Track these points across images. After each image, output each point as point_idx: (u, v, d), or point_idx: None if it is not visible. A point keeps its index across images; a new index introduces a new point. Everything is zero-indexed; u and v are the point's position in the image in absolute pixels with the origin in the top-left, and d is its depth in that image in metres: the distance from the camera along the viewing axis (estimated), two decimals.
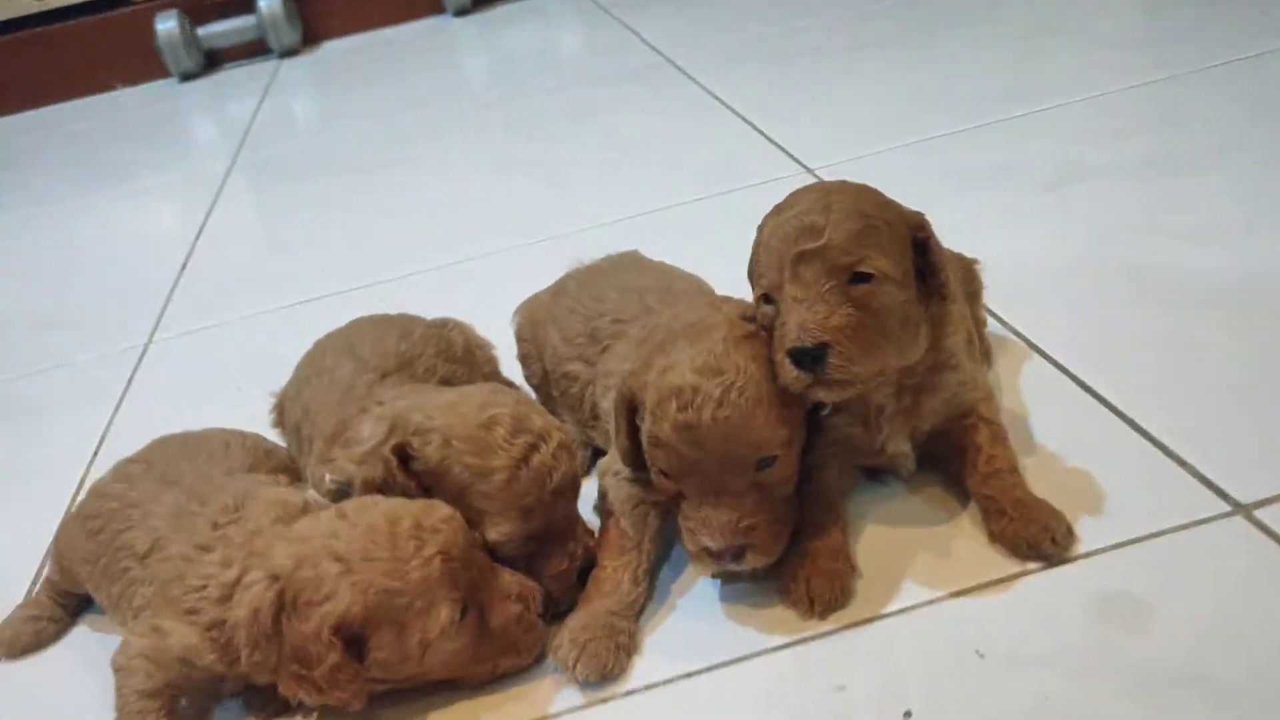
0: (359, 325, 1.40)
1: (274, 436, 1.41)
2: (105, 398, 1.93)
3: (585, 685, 1.06)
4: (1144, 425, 1.23)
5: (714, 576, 1.15)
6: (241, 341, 2.05)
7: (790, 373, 1.05)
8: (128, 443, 1.70)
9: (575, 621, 1.09)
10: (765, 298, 1.10)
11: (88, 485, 1.58)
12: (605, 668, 1.06)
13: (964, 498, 1.18)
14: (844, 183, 1.13)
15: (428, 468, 1.10)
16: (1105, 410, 1.28)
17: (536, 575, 1.11)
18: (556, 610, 1.13)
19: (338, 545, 1.02)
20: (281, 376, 1.74)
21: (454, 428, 1.10)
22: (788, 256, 1.06)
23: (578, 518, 1.17)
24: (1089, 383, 1.33)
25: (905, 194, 1.14)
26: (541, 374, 1.43)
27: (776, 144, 2.38)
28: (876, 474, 1.24)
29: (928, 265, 1.11)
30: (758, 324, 1.11)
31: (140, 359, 2.07)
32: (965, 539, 1.14)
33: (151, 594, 1.12)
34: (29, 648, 1.30)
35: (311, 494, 1.16)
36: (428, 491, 1.10)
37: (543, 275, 1.50)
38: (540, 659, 1.10)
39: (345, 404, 1.23)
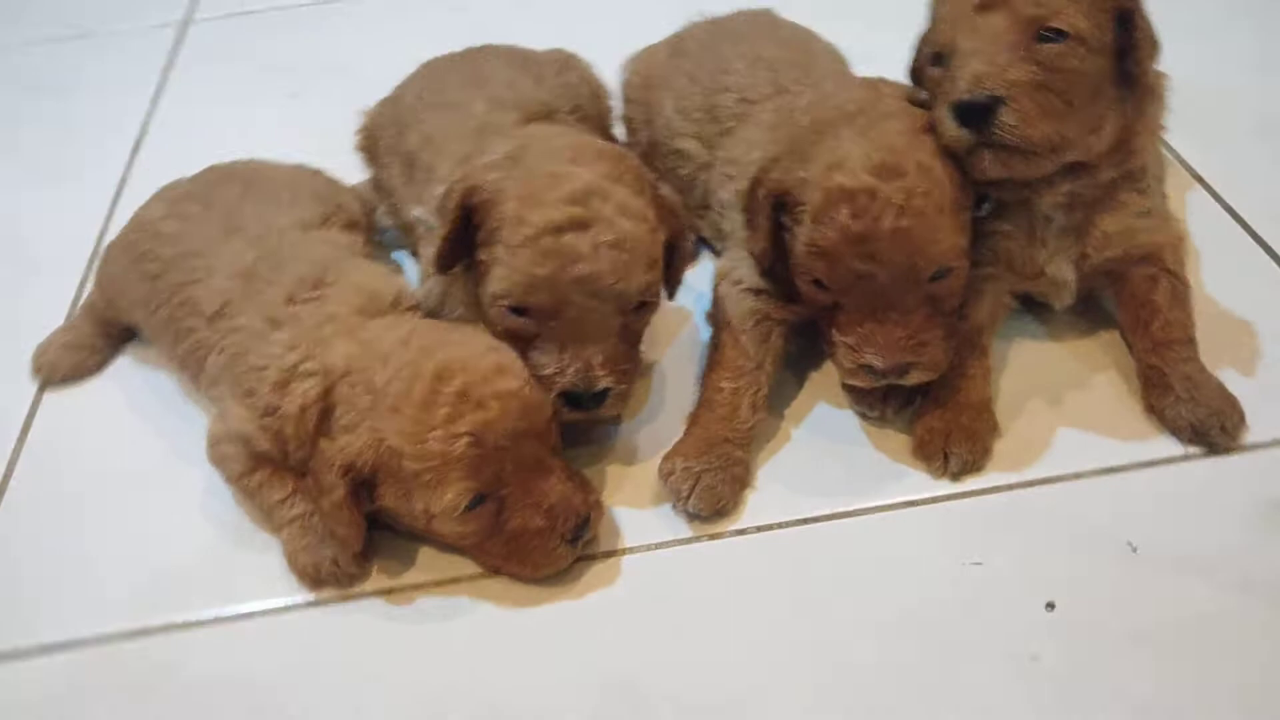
0: (483, 59, 1.23)
1: (339, 157, 1.26)
2: (141, 84, 1.75)
3: (695, 517, 0.98)
4: None
5: (862, 386, 1.02)
6: (292, 35, 1.85)
7: (952, 129, 0.92)
8: (169, 143, 1.61)
9: (688, 446, 0.99)
10: (936, 57, 0.95)
11: (128, 190, 1.47)
12: (719, 501, 0.97)
13: (1117, 353, 1.07)
14: None
15: (478, 201, 0.96)
16: None
17: (530, 365, 0.95)
18: None
19: (381, 375, 0.90)
20: (338, 86, 1.60)
21: (522, 168, 0.96)
22: (968, 5, 0.92)
23: (613, 344, 0.96)
24: (1272, 244, 1.18)
25: None
26: (647, 144, 1.26)
27: None
28: (1027, 305, 1.11)
29: (1130, 42, 0.94)
30: (924, 94, 0.97)
31: (179, 40, 1.87)
32: (1117, 406, 1.03)
33: (222, 365, 1.01)
34: (68, 377, 1.20)
35: (404, 286, 1.04)
36: (471, 230, 0.97)
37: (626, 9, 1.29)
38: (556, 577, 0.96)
39: (483, 136, 1.08)
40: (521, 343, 0.96)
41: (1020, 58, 0.90)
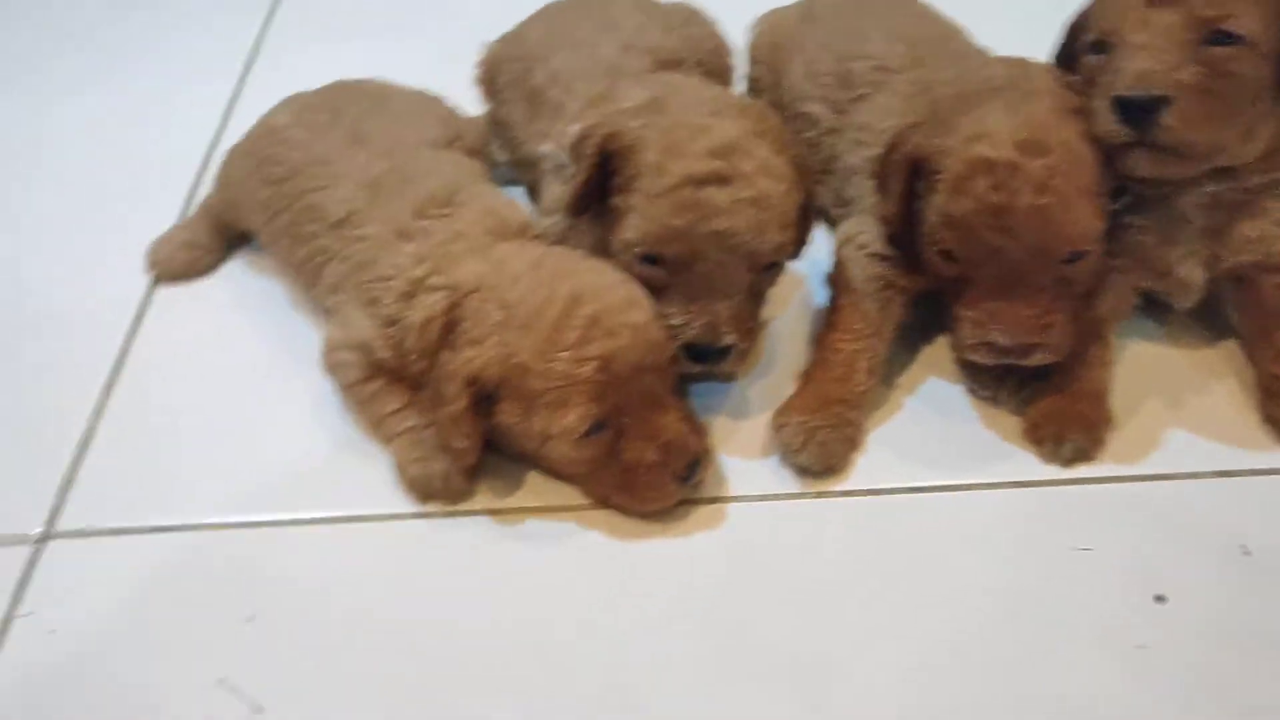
0: (609, 3, 1.22)
1: (457, 91, 1.26)
2: (255, 6, 1.75)
3: (805, 473, 0.97)
4: None
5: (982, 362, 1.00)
6: None
7: (1110, 123, 0.90)
8: (282, 62, 1.60)
9: (803, 402, 0.99)
10: (1096, 45, 0.94)
11: (241, 100, 1.48)
12: (831, 458, 0.97)
13: (1236, 362, 1.06)
14: None
15: (617, 147, 0.95)
16: None
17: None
18: None
19: (514, 292, 0.90)
20: (440, 27, 1.61)
21: (670, 114, 0.96)
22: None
23: (740, 301, 0.96)
24: None
25: None
26: (771, 106, 1.25)
27: None
28: (1149, 305, 1.09)
29: None
30: (1079, 79, 0.96)
31: None
32: (1232, 413, 1.02)
33: (344, 273, 1.02)
34: (180, 275, 1.21)
35: (529, 215, 1.04)
36: (606, 175, 0.96)
37: None
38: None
39: (615, 78, 1.08)
40: (650, 291, 0.96)
41: (1190, 58, 0.88)
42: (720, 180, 0.92)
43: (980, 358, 0.97)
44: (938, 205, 0.93)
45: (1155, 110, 0.88)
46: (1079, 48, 0.98)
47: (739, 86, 1.31)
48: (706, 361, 0.97)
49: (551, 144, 1.08)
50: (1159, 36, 0.89)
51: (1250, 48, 0.89)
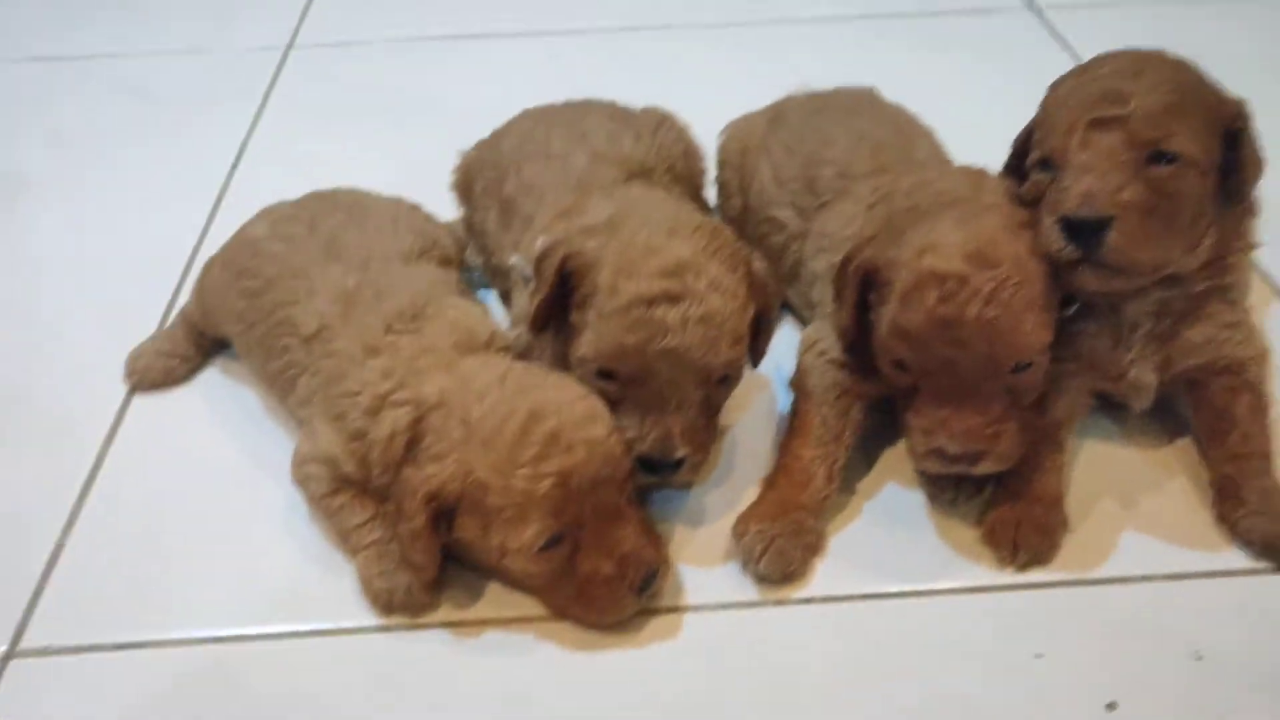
0: (582, 112, 1.27)
1: (434, 194, 1.30)
2: (243, 104, 1.81)
3: (764, 582, 0.99)
4: None
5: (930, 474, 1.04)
6: (390, 68, 1.91)
7: (1058, 242, 0.93)
8: (266, 164, 1.66)
9: (763, 510, 1.01)
10: (1043, 163, 0.97)
11: (224, 206, 1.52)
12: (790, 566, 0.98)
13: (1190, 459, 1.08)
14: (1161, 51, 0.99)
15: (574, 267, 0.99)
16: None
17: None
18: None
19: (475, 410, 0.92)
20: (434, 122, 1.66)
21: (622, 236, 0.99)
22: (1083, 120, 0.93)
23: (693, 414, 0.98)
24: None
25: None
26: (741, 209, 1.29)
27: None
28: (1103, 403, 1.12)
29: (1235, 161, 0.96)
30: (1026, 194, 0.99)
31: (281, 64, 1.93)
32: (1187, 513, 1.03)
33: (315, 387, 1.04)
34: (158, 384, 1.23)
35: (497, 327, 1.07)
36: (566, 292, 1.00)
37: (725, 69, 1.31)
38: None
39: (584, 190, 1.12)
40: (606, 404, 0.98)
41: (1132, 178, 0.91)
42: (671, 299, 0.95)
43: (930, 466, 0.99)
44: (889, 316, 0.96)
45: (1100, 230, 0.91)
46: (1027, 165, 1.01)
47: (710, 190, 1.35)
48: (660, 473, 0.99)
49: (519, 256, 1.11)
50: (1102, 158, 0.92)
51: (1190, 165, 0.93)
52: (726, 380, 1.01)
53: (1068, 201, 0.92)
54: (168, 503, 1.10)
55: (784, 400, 1.13)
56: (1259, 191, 1.17)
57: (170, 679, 0.94)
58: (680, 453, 0.98)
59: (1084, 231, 0.91)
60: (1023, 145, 1.04)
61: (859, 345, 1.03)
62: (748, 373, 1.17)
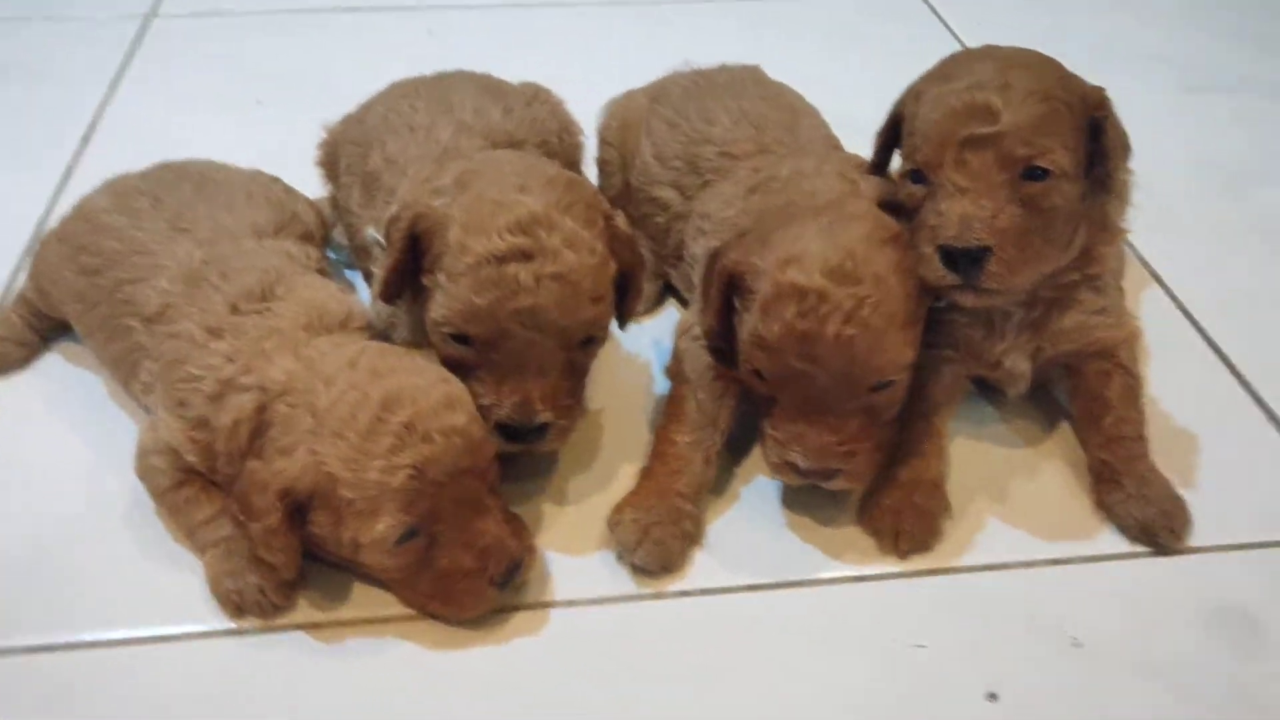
0: (452, 84, 1.20)
1: (298, 169, 1.23)
2: (99, 74, 1.70)
3: (641, 573, 0.95)
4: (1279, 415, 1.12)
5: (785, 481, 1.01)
6: (257, 42, 1.81)
7: (938, 271, 0.91)
8: (121, 137, 1.56)
9: (639, 499, 0.97)
10: (914, 174, 0.94)
11: (73, 180, 1.42)
12: (667, 556, 0.94)
13: (1070, 442, 1.07)
14: (1020, 52, 0.96)
15: (425, 227, 0.94)
16: (1235, 382, 1.16)
17: (471, 390, 0.93)
18: None
19: (325, 397, 0.86)
20: (301, 97, 1.58)
21: (471, 192, 0.93)
22: (954, 137, 0.90)
23: (554, 377, 0.93)
24: (1220, 344, 1.21)
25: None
26: (622, 187, 1.25)
27: None
28: (980, 387, 1.11)
29: (1099, 151, 0.95)
30: (903, 203, 0.96)
31: (142, 33, 1.82)
32: (1067, 497, 1.03)
33: (157, 372, 0.97)
34: None
35: (356, 304, 1.00)
36: (417, 256, 0.95)
37: (610, 48, 1.26)
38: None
39: (445, 162, 1.04)
40: (463, 370, 0.93)
41: (1007, 201, 0.90)
42: (523, 256, 0.90)
43: (783, 478, 0.96)
44: (749, 325, 0.92)
45: (980, 259, 0.89)
46: (898, 171, 0.98)
47: (589, 168, 1.30)
48: (521, 440, 0.94)
49: (374, 229, 1.05)
50: (977, 179, 0.90)
51: (1062, 176, 0.91)
52: (590, 342, 0.96)
53: (945, 229, 0.89)
54: (3, 498, 1.01)
55: (660, 381, 1.09)
56: (1132, 174, 1.19)
57: (7, 689, 0.86)
58: (541, 417, 0.93)
59: (963, 260, 0.89)
60: (886, 141, 1.02)
61: (724, 346, 0.99)
62: (628, 355, 1.14)
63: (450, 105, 1.15)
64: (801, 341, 0.88)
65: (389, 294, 0.97)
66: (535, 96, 1.23)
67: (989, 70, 0.92)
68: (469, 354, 0.93)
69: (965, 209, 0.89)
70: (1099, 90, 0.95)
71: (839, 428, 0.92)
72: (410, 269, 0.95)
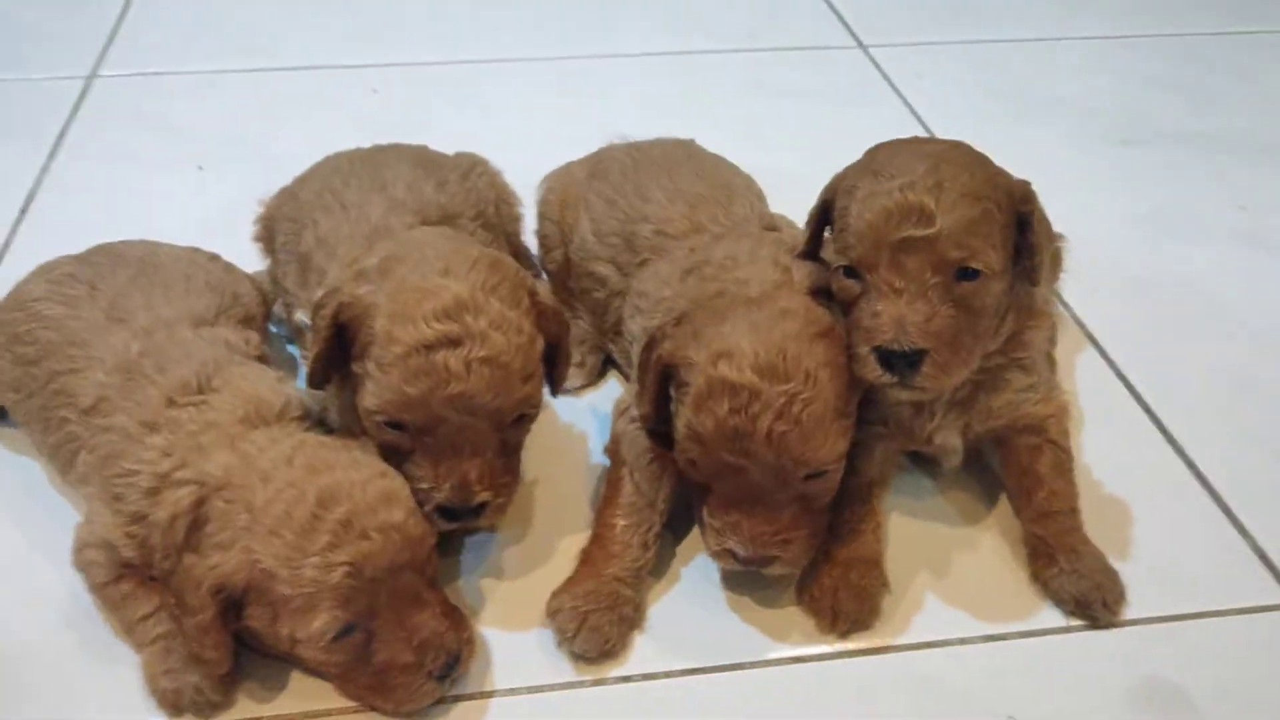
0: (386, 159, 1.20)
1: (240, 238, 1.23)
2: (36, 140, 1.68)
3: (581, 660, 0.95)
4: (1212, 481, 1.14)
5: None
6: (199, 103, 1.80)
7: (874, 371, 0.92)
8: (61, 206, 1.54)
9: (578, 585, 0.97)
10: (848, 270, 0.95)
11: (10, 254, 1.41)
12: (606, 643, 0.95)
13: (1005, 513, 1.09)
14: (950, 148, 0.97)
15: (351, 315, 0.94)
16: (1169, 448, 1.19)
17: (405, 473, 0.93)
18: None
19: (261, 494, 0.86)
20: (245, 160, 1.57)
21: (394, 279, 0.94)
22: (888, 238, 0.91)
23: (489, 456, 0.94)
24: (1153, 407, 1.23)
25: (952, 107, 0.98)
26: (563, 262, 1.25)
27: (831, 4, 2.14)
28: (916, 459, 1.13)
29: (1025, 245, 0.97)
30: (838, 296, 0.97)
31: (82, 96, 1.81)
32: (1002, 570, 1.04)
33: (93, 465, 0.96)
34: None
35: (293, 394, 0.99)
36: (345, 343, 0.95)
37: (560, 100, 1.27)
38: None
39: (375, 241, 1.05)
40: (398, 455, 0.94)
41: (940, 302, 0.91)
42: (451, 343, 0.90)
43: (723, 564, 0.98)
44: (684, 417, 0.93)
45: (916, 361, 0.91)
46: (831, 265, 0.99)
47: (529, 239, 1.31)
48: (460, 520, 0.95)
49: (304, 313, 1.05)
50: (911, 280, 0.91)
51: (991, 276, 0.93)
52: (522, 419, 0.97)
53: (881, 332, 0.91)
54: None
55: (597, 452, 1.10)
56: (1064, 240, 1.21)
57: None
58: (480, 498, 0.94)
59: (900, 363, 0.91)
60: (817, 227, 1.03)
61: (659, 432, 1.00)
62: (561, 425, 1.14)
63: (383, 182, 1.16)
64: (734, 437, 0.89)
65: (317, 381, 0.98)
66: (472, 168, 1.24)
67: (920, 169, 0.93)
68: (403, 439, 0.94)
69: (900, 311, 0.91)
70: (1025, 184, 0.97)
71: (773, 518, 0.93)
72: (338, 356, 0.96)
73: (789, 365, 0.90)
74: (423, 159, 1.22)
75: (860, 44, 2.01)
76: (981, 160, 0.97)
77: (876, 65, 1.95)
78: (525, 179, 1.30)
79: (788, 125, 1.73)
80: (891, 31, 2.05)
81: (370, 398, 0.92)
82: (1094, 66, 1.96)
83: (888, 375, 0.92)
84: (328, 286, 0.99)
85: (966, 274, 0.92)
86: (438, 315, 0.90)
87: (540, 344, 0.96)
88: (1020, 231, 0.96)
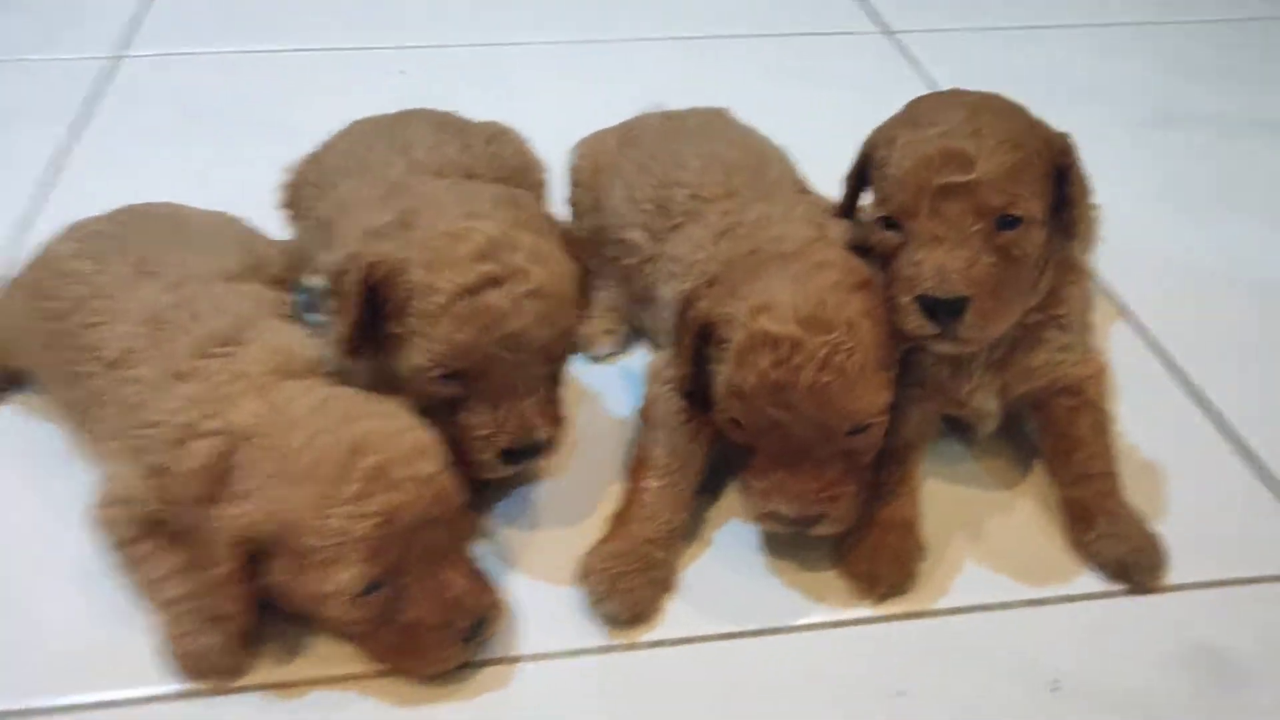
0: (409, 122, 1.19)
1: (265, 213, 1.21)
2: (61, 117, 1.68)
3: (612, 623, 0.93)
4: (1253, 447, 1.12)
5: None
6: (226, 83, 1.80)
7: (916, 321, 0.90)
8: (85, 181, 1.54)
9: (609, 547, 0.95)
10: (887, 221, 0.93)
11: (35, 227, 1.40)
12: (637, 606, 0.93)
13: (1041, 478, 1.06)
14: (987, 97, 0.96)
15: (381, 275, 0.91)
16: (1206, 416, 1.16)
17: (460, 430, 0.93)
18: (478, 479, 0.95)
19: (289, 441, 0.84)
20: (272, 142, 1.55)
21: (422, 228, 0.92)
22: (929, 185, 0.90)
23: (535, 390, 0.94)
24: (1190, 375, 1.21)
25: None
26: (593, 230, 1.24)
27: None
28: (951, 425, 1.10)
29: (1064, 197, 0.95)
30: (876, 250, 0.95)
31: (107, 75, 1.80)
32: (1040, 535, 1.02)
33: (116, 418, 0.94)
34: None
35: (324, 351, 0.97)
36: (380, 303, 0.92)
37: (584, 82, 1.33)
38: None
39: (389, 201, 1.02)
40: (447, 408, 0.92)
41: (983, 249, 0.89)
42: (494, 282, 0.89)
43: (767, 526, 0.95)
44: (723, 375, 0.91)
45: (959, 309, 0.89)
46: (868, 217, 0.98)
47: (557, 207, 1.29)
48: (523, 460, 0.94)
49: (318, 276, 1.03)
50: (952, 228, 0.89)
51: (1032, 224, 0.91)
52: (567, 350, 0.96)
53: (923, 280, 0.89)
54: None
55: (628, 420, 1.08)
56: (1099, 209, 1.19)
57: None
58: (542, 435, 0.93)
59: (942, 311, 0.89)
60: (854, 184, 1.01)
61: (697, 395, 0.98)
62: (592, 395, 1.14)
63: (406, 144, 1.14)
64: (776, 390, 0.87)
65: (354, 349, 0.95)
66: (497, 134, 1.23)
67: (959, 116, 0.92)
68: (457, 389, 0.92)
69: (942, 259, 0.89)
70: (1063, 136, 0.95)
71: (819, 474, 0.91)
72: (370, 321, 0.93)
73: (830, 315, 0.88)
74: (447, 123, 1.21)
75: (887, 30, 2.00)
76: (1020, 109, 0.95)
77: (904, 51, 1.93)
78: (550, 160, 1.28)
79: (814, 110, 1.70)
80: (918, 18, 2.03)
81: (419, 354, 0.90)
82: (1123, 51, 1.95)
83: (930, 325, 0.90)
84: (343, 251, 0.96)
85: (1007, 222, 0.90)
86: (474, 256, 0.89)
87: (574, 272, 0.95)
88: (1058, 184, 0.94)
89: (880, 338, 0.90)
